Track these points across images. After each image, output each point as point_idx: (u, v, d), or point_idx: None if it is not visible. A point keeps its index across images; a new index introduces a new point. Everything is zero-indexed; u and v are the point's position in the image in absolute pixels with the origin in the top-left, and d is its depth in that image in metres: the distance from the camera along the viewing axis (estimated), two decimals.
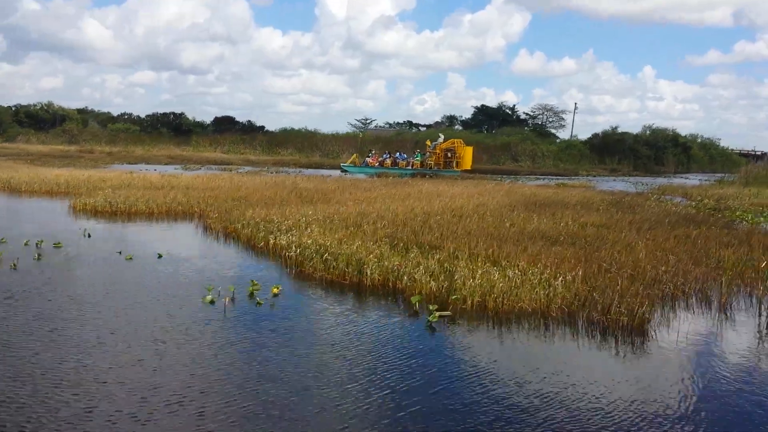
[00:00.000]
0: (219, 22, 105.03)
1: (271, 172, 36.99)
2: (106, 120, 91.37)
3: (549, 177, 48.13)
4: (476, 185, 25.47)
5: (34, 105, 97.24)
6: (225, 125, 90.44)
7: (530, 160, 65.75)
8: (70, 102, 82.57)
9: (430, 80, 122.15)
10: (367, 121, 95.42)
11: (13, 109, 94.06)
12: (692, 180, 46.10)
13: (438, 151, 43.58)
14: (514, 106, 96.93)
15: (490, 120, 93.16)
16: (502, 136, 75.36)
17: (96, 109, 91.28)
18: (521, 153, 67.52)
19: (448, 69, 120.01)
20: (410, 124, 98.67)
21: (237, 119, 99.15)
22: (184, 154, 59.77)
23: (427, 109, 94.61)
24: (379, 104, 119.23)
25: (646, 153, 73.74)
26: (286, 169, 43.99)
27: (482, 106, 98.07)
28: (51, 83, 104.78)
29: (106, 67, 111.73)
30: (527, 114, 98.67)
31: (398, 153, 46.71)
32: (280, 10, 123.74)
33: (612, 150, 73.15)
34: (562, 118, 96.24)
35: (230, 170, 37.74)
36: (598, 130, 75.53)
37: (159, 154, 58.43)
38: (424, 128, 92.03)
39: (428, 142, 45.92)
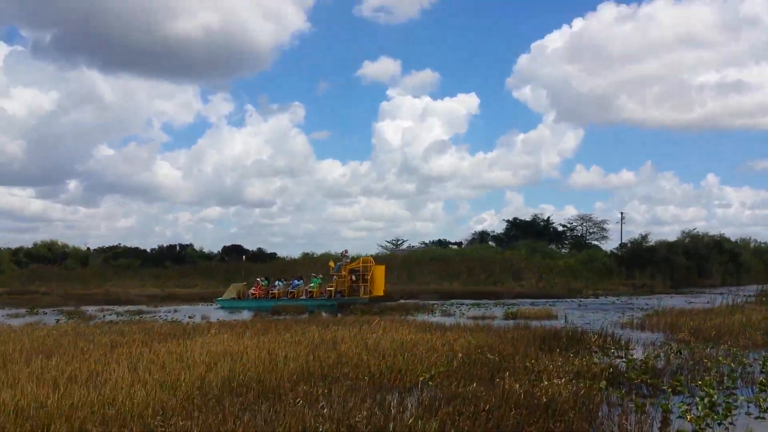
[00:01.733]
0: (281, 157, 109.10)
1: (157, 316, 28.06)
2: (115, 255, 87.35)
3: (529, 300, 37.82)
4: (303, 332, 15.88)
5: (37, 243, 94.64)
6: (232, 254, 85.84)
7: (536, 278, 55.33)
8: (145, 240, 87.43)
9: (488, 199, 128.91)
10: (399, 242, 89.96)
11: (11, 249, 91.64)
12: (731, 294, 35.18)
13: (343, 273, 34.54)
14: (549, 218, 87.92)
15: (524, 234, 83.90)
16: (507, 250, 65.42)
17: (121, 245, 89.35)
18: (526, 270, 57.30)
19: (504, 187, 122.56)
20: (440, 242, 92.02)
21: (245, 247, 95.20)
22: (150, 291, 51.38)
23: (486, 227, 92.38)
24: (438, 225, 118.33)
25: (685, 263, 62.21)
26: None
27: (514, 219, 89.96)
28: (126, 223, 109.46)
29: (176, 205, 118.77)
30: (565, 226, 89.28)
31: (295, 279, 37.18)
32: (339, 143, 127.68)
33: (643, 262, 62.11)
34: (604, 229, 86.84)
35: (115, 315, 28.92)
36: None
37: (115, 290, 50.79)
38: (455, 245, 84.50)
39: (331, 263, 36.78)
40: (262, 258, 79.83)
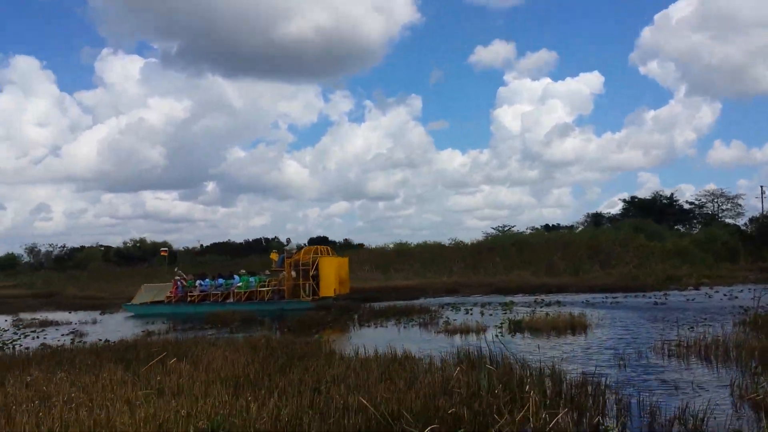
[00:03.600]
0: (401, 150, 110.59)
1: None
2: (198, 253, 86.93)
3: (594, 295, 28.25)
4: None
5: (127, 243, 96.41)
6: (319, 245, 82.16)
7: (634, 263, 44.56)
8: (278, 235, 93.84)
9: (620, 181, 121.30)
10: (506, 228, 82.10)
11: (102, 248, 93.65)
12: None
13: (285, 269, 26.18)
14: (672, 194, 76.07)
15: (645, 214, 72.50)
16: (601, 232, 54.56)
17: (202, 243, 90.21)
18: (622, 254, 46.58)
19: (637, 169, 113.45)
20: (546, 227, 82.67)
21: (330, 239, 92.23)
22: None
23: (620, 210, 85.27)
24: (566, 211, 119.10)
25: None
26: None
27: (633, 198, 79.37)
28: (260, 221, 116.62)
29: (305, 202, 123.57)
30: (692, 203, 76.71)
31: (221, 277, 28.01)
32: (458, 132, 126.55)
33: None
34: (738, 204, 74.17)
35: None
36: None
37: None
38: (565, 229, 74.96)
39: (273, 255, 28.41)
40: (349, 248, 74.59)
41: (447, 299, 29.07)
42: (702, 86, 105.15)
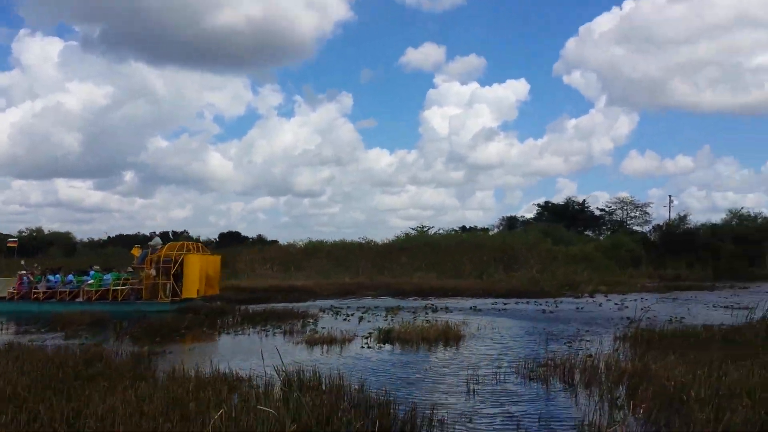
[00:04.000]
0: (329, 147, 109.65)
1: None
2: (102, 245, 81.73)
3: (485, 300, 27.12)
4: None
5: (23, 232, 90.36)
6: (230, 240, 79.66)
7: (537, 268, 44.14)
8: (201, 229, 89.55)
9: (540, 187, 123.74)
10: (425, 228, 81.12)
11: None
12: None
13: (146, 267, 23.41)
14: (584, 201, 77.69)
15: (557, 219, 73.13)
16: (510, 236, 54.27)
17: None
18: (528, 258, 46.15)
19: (556, 174, 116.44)
20: (463, 228, 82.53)
21: (243, 234, 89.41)
22: None
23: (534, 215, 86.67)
24: (488, 213, 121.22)
25: (732, 251, 49.90)
26: None
27: (546, 203, 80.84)
28: (181, 213, 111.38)
29: (229, 195, 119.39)
30: (602, 210, 78.27)
31: (73, 273, 24.82)
32: (386, 131, 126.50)
33: (680, 248, 50.18)
34: (646, 213, 76.32)
35: None
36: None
37: None
38: (480, 232, 74.67)
39: (135, 250, 25.61)
40: (261, 244, 72.10)
41: (335, 302, 27.26)
42: (621, 97, 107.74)
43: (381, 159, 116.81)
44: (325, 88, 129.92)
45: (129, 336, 15.96)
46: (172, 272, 22.88)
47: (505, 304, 25.61)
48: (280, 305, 24.16)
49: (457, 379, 10.36)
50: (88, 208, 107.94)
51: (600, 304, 25.05)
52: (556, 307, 24.19)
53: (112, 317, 19.53)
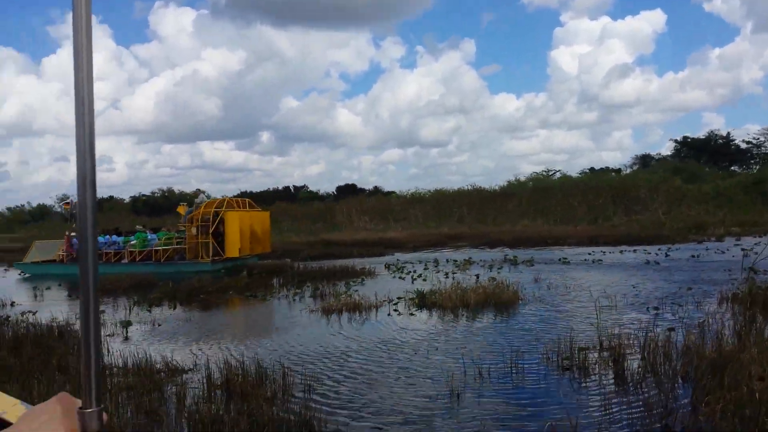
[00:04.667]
0: (453, 96, 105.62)
1: None
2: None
3: (607, 248, 23.38)
4: None
5: (154, 193, 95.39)
6: (347, 194, 79.84)
7: (663, 209, 38.89)
8: (331, 184, 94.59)
9: (682, 122, 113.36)
10: (550, 172, 76.87)
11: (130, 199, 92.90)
12: None
13: (191, 224, 21.72)
14: (728, 134, 69.09)
15: (697, 155, 66.24)
16: (634, 173, 48.59)
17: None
18: (648, 199, 40.87)
19: (700, 109, 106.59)
20: (591, 170, 77.12)
21: (359, 186, 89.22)
22: None
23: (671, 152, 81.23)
24: (626, 154, 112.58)
25: None
26: None
27: (684, 138, 72.55)
28: (315, 169, 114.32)
29: (359, 150, 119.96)
30: (749, 143, 69.40)
31: (115, 234, 23.74)
32: (512, 76, 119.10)
33: None
34: None
35: None
36: None
37: None
38: (613, 173, 69.29)
39: (181, 209, 24.08)
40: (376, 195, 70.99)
41: (417, 255, 24.75)
42: None
43: (508, 104, 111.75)
44: (446, 36, 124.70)
45: (147, 300, 14.33)
46: (212, 230, 21.32)
47: (607, 253, 21.91)
48: (352, 261, 22.13)
49: (444, 374, 7.45)
50: (232, 168, 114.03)
51: (725, 251, 20.63)
52: (666, 255, 20.16)
53: (156, 278, 18.22)
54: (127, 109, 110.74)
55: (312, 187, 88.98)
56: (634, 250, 22.62)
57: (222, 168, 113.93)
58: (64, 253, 23.00)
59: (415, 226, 41.31)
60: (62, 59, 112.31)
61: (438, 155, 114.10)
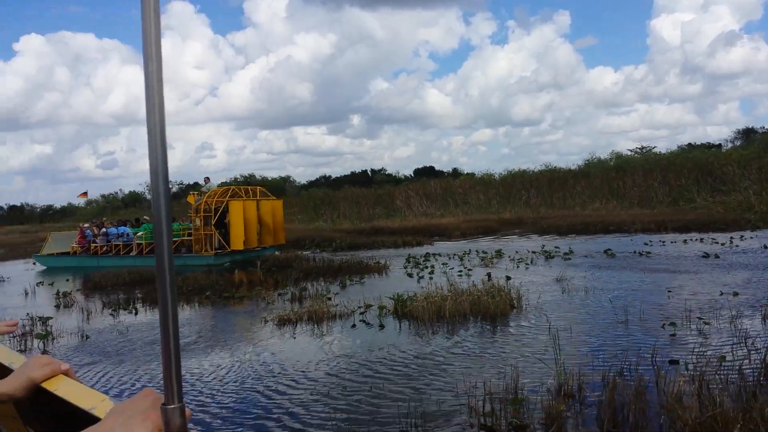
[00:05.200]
0: (547, 71, 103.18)
1: None
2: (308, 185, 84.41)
3: (675, 235, 20.45)
4: None
5: (237, 178, 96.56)
6: (424, 176, 77.70)
7: (760, 186, 34.52)
8: (423, 164, 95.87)
9: None
10: (644, 149, 72.71)
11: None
12: None
13: (192, 216, 20.59)
14: None
15: None
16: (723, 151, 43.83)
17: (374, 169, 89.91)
18: (737, 177, 36.42)
19: None
20: (690, 146, 71.87)
21: (437, 169, 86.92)
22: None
23: None
24: (733, 127, 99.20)
25: None
26: None
27: None
28: (405, 151, 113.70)
29: (449, 130, 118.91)
30: None
31: (122, 225, 23.13)
32: (608, 48, 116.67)
33: None
34: None
35: None
36: None
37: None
38: (711, 150, 64.17)
39: (191, 198, 22.02)
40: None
41: (450, 245, 22.65)
42: None
43: (604, 78, 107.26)
44: (539, 9, 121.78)
45: (120, 302, 13.07)
46: (214, 221, 19.99)
47: (668, 243, 19.00)
48: (378, 252, 20.57)
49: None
50: (324, 152, 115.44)
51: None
52: (734, 246, 17.10)
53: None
54: (225, 96, 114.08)
55: (395, 171, 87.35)
56: (701, 239, 19.53)
57: (315, 152, 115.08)
58: (77, 245, 22.42)
59: (476, 211, 38.89)
60: (163, 48, 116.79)
61: (530, 134, 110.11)
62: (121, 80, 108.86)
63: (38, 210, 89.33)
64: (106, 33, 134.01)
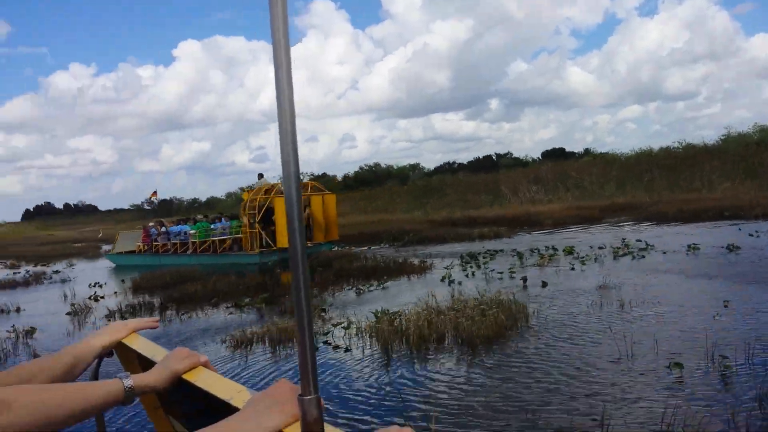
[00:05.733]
0: (701, 41, 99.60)
1: None
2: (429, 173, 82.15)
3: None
4: None
5: (363, 167, 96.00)
6: (553, 158, 73.78)
7: None
8: (566, 146, 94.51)
9: None
10: None
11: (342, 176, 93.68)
12: None
13: (241, 214, 20.14)
14: None
15: None
16: None
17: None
18: None
19: None
20: None
21: (567, 150, 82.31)
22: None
23: None
24: None
25: None
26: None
27: None
28: (547, 133, 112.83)
29: (593, 109, 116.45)
30: None
31: (186, 221, 22.90)
32: None
33: None
34: None
35: None
36: None
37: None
38: None
39: (246, 194, 20.94)
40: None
41: (531, 238, 20.44)
42: None
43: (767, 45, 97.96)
44: None
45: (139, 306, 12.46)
46: (258, 219, 19.22)
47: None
48: (447, 247, 19.02)
49: None
50: (462, 138, 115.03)
51: None
52: None
53: (200, 273, 16.56)
54: (365, 88, 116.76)
55: (523, 154, 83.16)
56: None
57: (453, 138, 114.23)
58: (142, 244, 22.61)
59: (589, 195, 35.58)
60: (308, 47, 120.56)
61: (685, 108, 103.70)
62: (270, 79, 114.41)
63: (185, 203, 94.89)
64: (254, 35, 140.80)
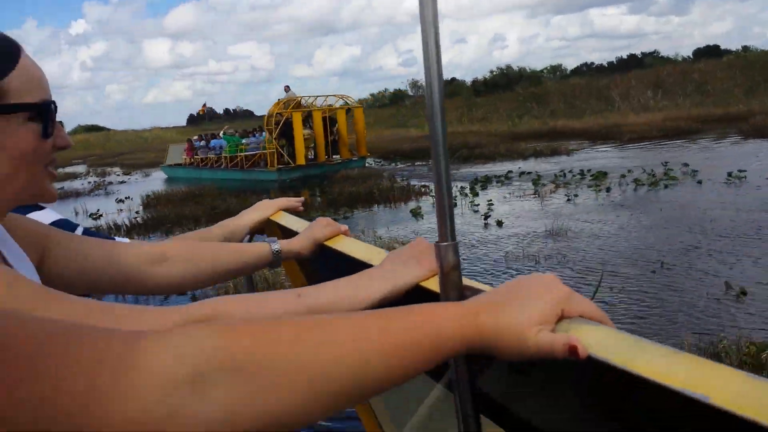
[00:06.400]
0: None
1: None
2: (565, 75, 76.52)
3: None
4: None
5: (494, 72, 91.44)
6: (707, 56, 65.78)
7: None
8: (740, 41, 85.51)
9: None
10: None
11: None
12: None
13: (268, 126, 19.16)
14: None
15: None
16: None
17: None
18: None
19: None
20: None
21: (723, 47, 72.68)
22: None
23: None
24: None
25: None
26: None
27: None
28: (720, 28, 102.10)
29: None
30: None
31: (222, 134, 22.01)
32: None
33: None
34: None
35: None
36: None
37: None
38: None
39: (274, 108, 19.64)
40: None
41: (586, 156, 17.71)
42: None
43: None
44: None
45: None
46: (275, 135, 18.36)
47: None
48: (484, 167, 17.07)
49: None
50: (624, 35, 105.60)
51: None
52: None
53: (220, 189, 16.17)
54: None
55: (672, 53, 74.07)
56: None
57: (613, 35, 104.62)
58: (187, 157, 22.83)
59: (711, 102, 30.80)
60: None
61: None
62: None
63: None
64: None
